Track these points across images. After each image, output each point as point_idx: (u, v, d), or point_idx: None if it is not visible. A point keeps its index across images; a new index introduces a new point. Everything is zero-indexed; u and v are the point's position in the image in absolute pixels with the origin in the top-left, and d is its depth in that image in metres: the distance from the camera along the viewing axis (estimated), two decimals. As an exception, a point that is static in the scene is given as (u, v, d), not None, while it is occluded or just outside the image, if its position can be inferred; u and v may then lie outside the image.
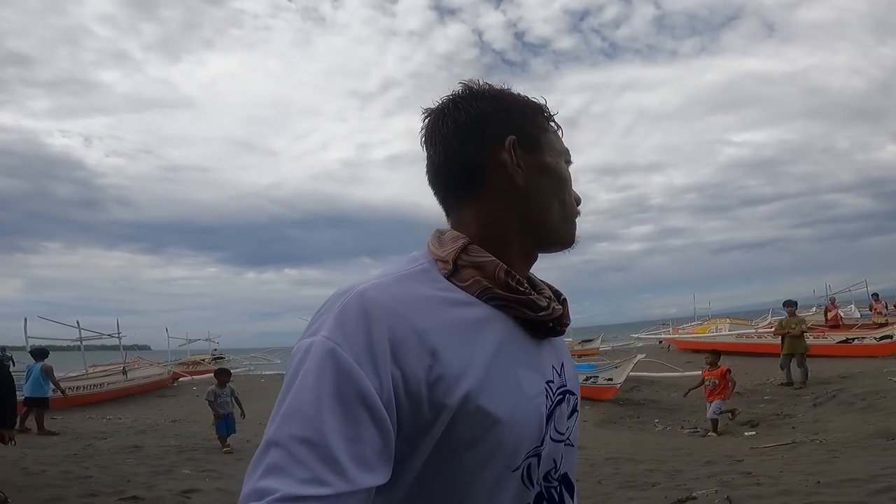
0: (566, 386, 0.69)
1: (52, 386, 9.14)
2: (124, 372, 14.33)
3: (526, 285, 0.64)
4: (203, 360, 21.60)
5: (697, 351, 18.85)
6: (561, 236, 0.70)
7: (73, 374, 14.15)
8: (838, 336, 13.95)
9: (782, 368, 9.37)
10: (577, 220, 0.72)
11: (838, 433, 5.73)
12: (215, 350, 26.05)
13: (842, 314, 19.47)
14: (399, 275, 0.61)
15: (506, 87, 0.71)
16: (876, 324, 14.84)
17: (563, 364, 0.70)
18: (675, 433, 7.41)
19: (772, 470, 4.30)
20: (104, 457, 6.08)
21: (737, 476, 4.19)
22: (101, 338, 15.88)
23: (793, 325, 9.47)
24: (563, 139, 0.73)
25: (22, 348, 12.93)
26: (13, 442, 4.44)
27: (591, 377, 9.65)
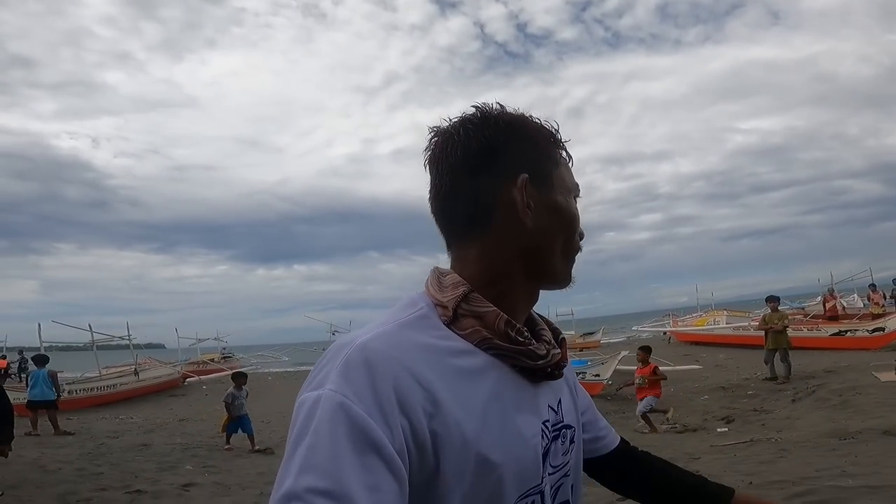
0: (563, 421, 0.70)
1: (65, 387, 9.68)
2: (136, 373, 14.90)
3: (526, 334, 0.64)
4: (213, 359, 22.14)
5: (696, 343, 19.00)
6: (561, 277, 0.69)
7: (87, 376, 14.79)
8: (832, 328, 13.98)
9: (766, 363, 9.54)
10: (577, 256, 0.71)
11: (802, 431, 5.95)
12: (224, 349, 26.61)
13: (844, 304, 19.52)
14: (399, 323, 0.61)
15: (519, 112, 0.69)
16: (874, 315, 14.77)
17: (560, 400, 0.71)
18: (643, 428, 7.64)
19: (717, 468, 4.56)
20: (115, 455, 6.56)
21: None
22: (112, 340, 16.48)
23: (775, 320, 9.64)
24: (572, 169, 0.71)
25: (37, 349, 13.52)
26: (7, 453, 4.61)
27: (580, 373, 9.96)
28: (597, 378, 9.71)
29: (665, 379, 8.25)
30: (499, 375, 0.62)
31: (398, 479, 0.51)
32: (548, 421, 0.67)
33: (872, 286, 18.87)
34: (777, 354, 9.37)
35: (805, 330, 14.54)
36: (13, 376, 14.95)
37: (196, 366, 20.34)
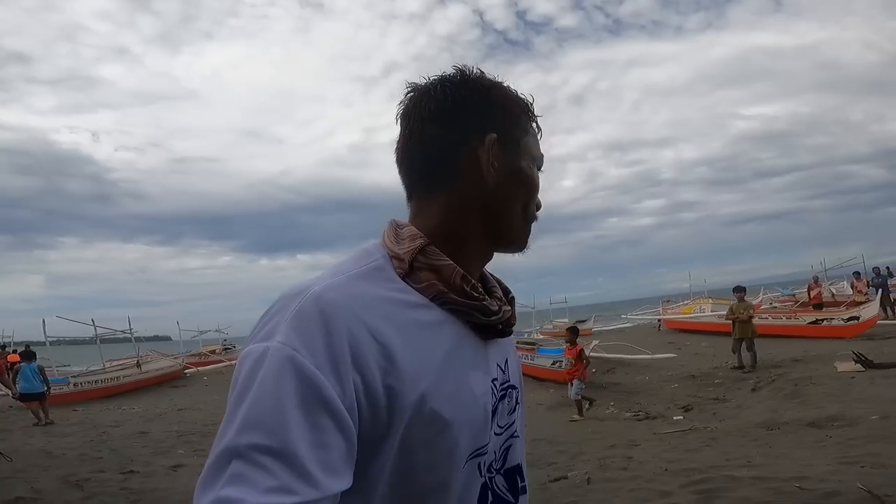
0: (509, 381, 0.70)
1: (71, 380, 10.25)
2: (138, 365, 15.44)
3: (480, 290, 0.64)
4: (214, 350, 22.67)
5: (683, 331, 19.26)
6: (518, 241, 0.70)
7: (92, 369, 15.38)
8: (809, 317, 14.15)
9: (734, 352, 9.89)
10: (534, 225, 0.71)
11: (741, 420, 6.29)
12: (225, 340, 27.12)
13: (834, 291, 19.73)
14: (353, 273, 0.59)
15: (498, 80, 0.69)
16: (856, 303, 14.84)
17: (507, 360, 0.70)
18: (617, 416, 7.92)
19: (648, 455, 4.96)
20: (115, 441, 7.11)
21: (618, 459, 4.89)
22: (115, 334, 17.04)
23: (741, 311, 9.96)
24: (541, 143, 0.72)
25: (42, 344, 14.13)
26: None
27: (556, 361, 10.37)
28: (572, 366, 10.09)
29: (589, 363, 8.46)
30: (453, 331, 0.62)
31: (347, 437, 0.50)
32: (496, 380, 0.66)
33: (857, 274, 19.05)
34: (743, 344, 9.70)
35: (784, 318, 14.83)
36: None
37: (197, 358, 20.83)
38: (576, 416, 7.67)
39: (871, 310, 12.89)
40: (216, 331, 27.23)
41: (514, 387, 0.72)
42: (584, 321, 27.67)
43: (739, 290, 10.66)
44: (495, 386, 0.66)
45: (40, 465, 5.51)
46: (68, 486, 4.63)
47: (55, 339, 15.89)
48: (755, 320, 10.34)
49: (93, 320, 15.66)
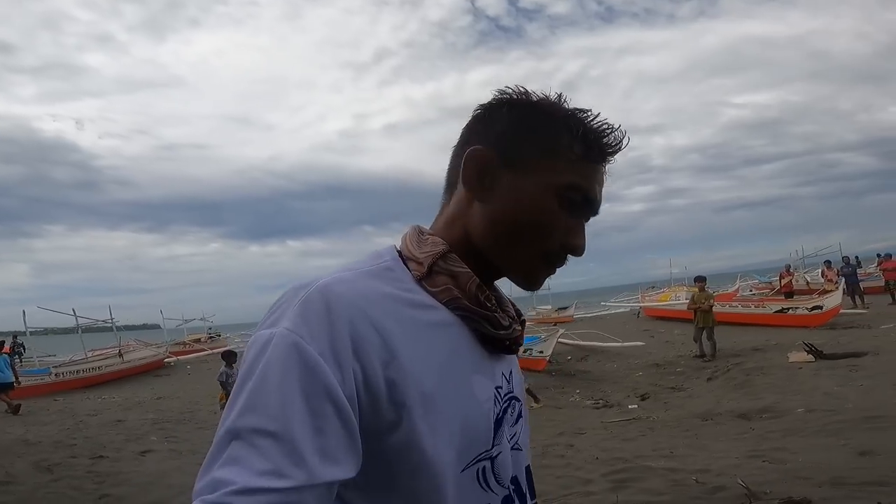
0: (513, 392, 0.70)
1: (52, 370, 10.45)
2: (120, 355, 15.56)
3: (494, 302, 0.65)
4: (199, 339, 22.75)
5: (660, 318, 19.60)
6: (519, 274, 0.66)
7: (74, 359, 15.50)
8: (776, 306, 14.42)
9: (695, 341, 10.16)
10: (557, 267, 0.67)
11: (684, 410, 6.53)
12: (210, 329, 27.20)
13: (808, 279, 20.13)
14: (362, 271, 0.60)
15: (550, 97, 0.65)
16: (825, 291, 14.99)
17: (511, 372, 0.71)
18: (578, 404, 8.14)
19: (589, 443, 5.24)
20: (91, 430, 7.36)
21: (560, 447, 5.17)
22: (96, 323, 17.12)
23: (702, 300, 10.23)
24: (593, 175, 0.64)
25: (23, 334, 14.25)
26: None
27: (527, 349, 10.66)
28: (541, 354, 10.36)
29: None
30: (459, 333, 0.62)
31: (347, 426, 0.51)
32: (500, 388, 0.66)
33: (827, 263, 19.32)
34: (704, 332, 9.96)
35: (752, 307, 15.12)
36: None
37: (182, 346, 20.91)
38: (533, 405, 7.93)
39: (833, 299, 13.11)
40: (201, 319, 27.26)
41: (517, 398, 0.71)
42: (566, 308, 27.99)
43: (700, 280, 10.90)
44: (499, 394, 0.66)
45: (16, 452, 5.75)
46: (39, 471, 4.89)
47: (38, 329, 15.96)
48: (718, 309, 10.57)
49: (74, 310, 15.80)
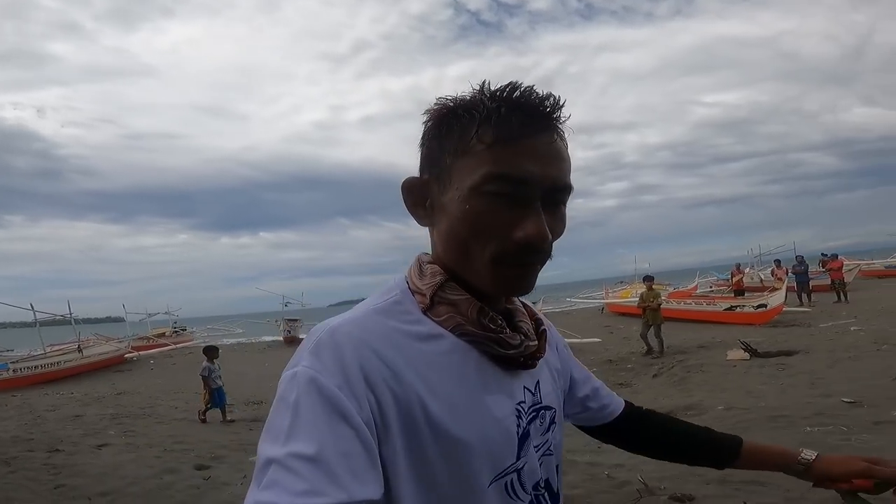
0: (541, 403, 0.71)
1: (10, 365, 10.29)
2: (80, 350, 15.29)
3: (500, 322, 0.65)
4: (163, 333, 22.42)
5: (622, 315, 20.12)
6: (482, 284, 0.64)
7: (33, 354, 15.21)
8: (725, 304, 15.02)
9: (644, 339, 10.59)
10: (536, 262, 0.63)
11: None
12: (175, 323, 26.79)
13: (762, 277, 20.96)
14: (370, 309, 0.64)
15: (476, 92, 0.63)
16: (774, 289, 15.51)
17: (538, 382, 0.72)
18: None
19: None
20: (49, 424, 7.39)
21: None
22: (55, 317, 16.74)
23: (651, 299, 10.68)
24: (519, 154, 0.59)
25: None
26: None
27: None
28: None
29: None
30: (467, 359, 0.64)
31: (367, 448, 0.54)
32: (524, 402, 0.68)
33: (777, 261, 20.34)
34: (651, 330, 10.39)
35: (704, 304, 15.80)
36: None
37: (145, 341, 20.62)
38: None
39: (777, 297, 13.74)
40: (166, 313, 26.89)
41: (547, 407, 0.73)
42: (534, 304, 28.52)
43: (648, 279, 11.41)
44: (522, 409, 0.68)
45: (-29, 449, 5.80)
46: (-5, 464, 4.99)
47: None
48: (674, 306, 10.87)
49: (31, 304, 15.48)
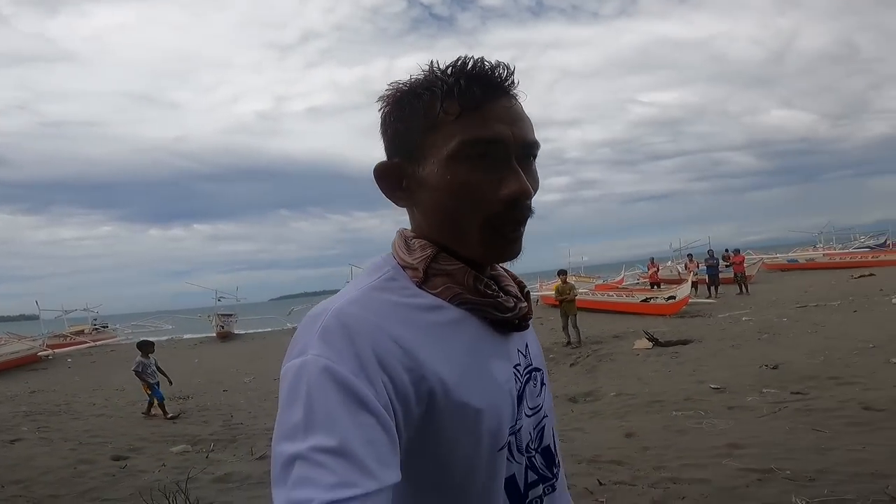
0: (532, 364, 0.72)
1: None
2: (-13, 349, 14.39)
3: (494, 288, 0.67)
4: (82, 330, 21.28)
5: (554, 306, 20.91)
6: (472, 251, 0.65)
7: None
8: (642, 295, 15.97)
9: (564, 330, 11.09)
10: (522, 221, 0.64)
11: None
12: (95, 320, 25.43)
13: (680, 270, 21.92)
14: (368, 287, 0.63)
15: (405, 82, 0.65)
16: (684, 281, 16.30)
17: (527, 344, 0.73)
18: None
19: None
20: (-44, 424, 7.05)
21: None
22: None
23: (567, 291, 11.26)
24: (486, 117, 0.61)
25: None
26: None
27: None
28: None
29: None
30: (472, 325, 0.65)
31: (388, 433, 0.53)
32: (519, 365, 0.69)
33: (689, 255, 21.64)
34: (569, 321, 10.93)
35: (624, 296, 16.71)
36: None
37: (62, 339, 19.60)
38: None
39: (684, 290, 14.79)
40: (84, 309, 25.50)
41: (537, 369, 0.73)
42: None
43: (562, 273, 11.87)
44: (518, 371, 0.69)
45: None
46: None
47: None
48: (599, 298, 11.22)
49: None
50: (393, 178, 0.67)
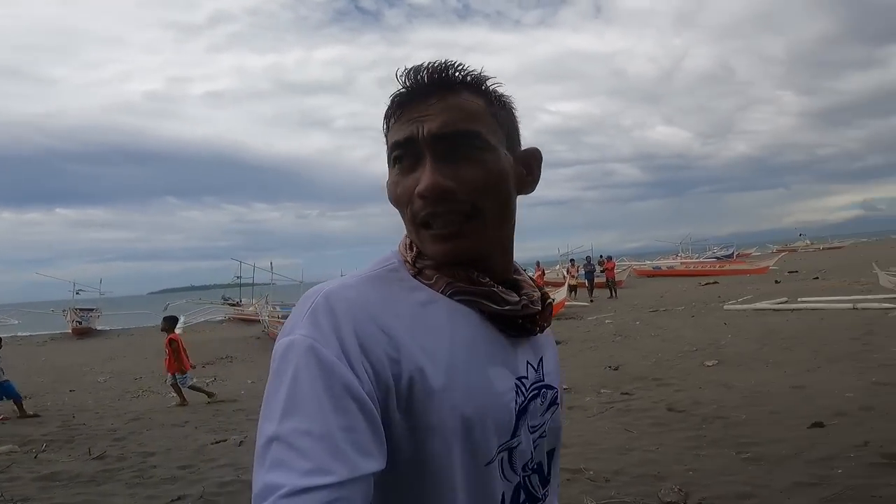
0: (543, 381, 0.69)
1: None
2: None
3: (488, 279, 0.64)
4: None
5: None
6: (428, 252, 0.65)
7: None
8: None
9: None
10: (429, 225, 0.63)
11: None
12: None
13: (565, 274, 23.85)
14: (366, 275, 0.63)
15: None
16: (560, 284, 17.26)
17: (541, 359, 0.70)
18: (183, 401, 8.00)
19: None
20: None
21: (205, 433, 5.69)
22: None
23: None
24: (404, 122, 0.63)
25: None
26: None
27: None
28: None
29: (183, 352, 7.89)
30: (469, 323, 0.63)
31: (370, 419, 0.52)
32: (525, 378, 0.66)
33: (572, 261, 23.25)
34: None
35: None
36: None
37: None
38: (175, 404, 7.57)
39: (561, 293, 15.53)
40: None
41: (548, 387, 0.71)
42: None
43: None
44: (523, 384, 0.66)
45: None
46: None
47: None
48: None
49: None
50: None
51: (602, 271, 20.35)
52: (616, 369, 7.32)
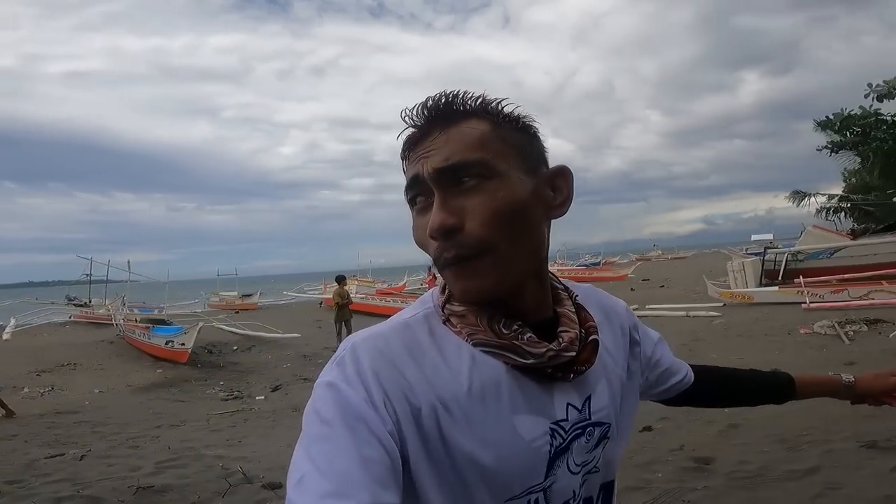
0: (589, 419, 0.67)
1: None
2: None
3: (515, 328, 0.63)
4: None
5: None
6: (458, 297, 0.64)
7: None
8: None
9: (338, 335, 11.16)
10: (445, 261, 0.62)
11: (287, 402, 7.05)
12: None
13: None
14: (397, 323, 0.65)
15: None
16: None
17: (588, 397, 0.68)
18: (213, 397, 8.21)
19: (175, 435, 5.61)
20: None
21: (144, 439, 5.54)
22: None
23: (343, 296, 11.41)
24: (413, 165, 0.64)
25: None
26: None
27: (169, 341, 10.47)
28: (183, 347, 10.36)
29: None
30: (494, 373, 0.62)
31: (389, 454, 0.55)
32: (565, 421, 0.65)
33: (429, 269, 23.21)
34: (343, 324, 11.23)
35: (397, 301, 18.20)
36: None
37: None
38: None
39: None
40: None
41: (598, 424, 0.68)
42: (250, 295, 27.79)
43: (340, 280, 12.19)
44: (561, 427, 0.64)
45: None
46: None
47: None
48: (376, 303, 11.42)
49: None
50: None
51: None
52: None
